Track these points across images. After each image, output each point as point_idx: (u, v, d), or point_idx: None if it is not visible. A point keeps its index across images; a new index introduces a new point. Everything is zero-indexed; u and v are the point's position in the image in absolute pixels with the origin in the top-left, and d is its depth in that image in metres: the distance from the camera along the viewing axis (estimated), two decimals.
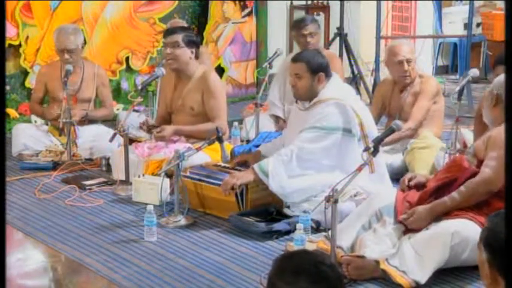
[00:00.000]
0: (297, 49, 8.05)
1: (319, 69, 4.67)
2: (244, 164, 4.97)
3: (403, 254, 3.80)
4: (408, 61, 5.41)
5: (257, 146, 5.43)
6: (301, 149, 4.59)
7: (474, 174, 3.90)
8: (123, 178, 5.27)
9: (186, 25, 6.53)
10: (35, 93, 6.25)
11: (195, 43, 5.41)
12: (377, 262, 3.84)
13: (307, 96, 4.73)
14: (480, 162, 3.92)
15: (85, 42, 6.90)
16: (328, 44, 8.20)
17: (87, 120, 6.03)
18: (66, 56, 5.91)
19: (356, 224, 4.07)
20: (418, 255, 3.77)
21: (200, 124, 5.37)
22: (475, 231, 3.70)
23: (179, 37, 5.33)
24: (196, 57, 5.43)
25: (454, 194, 3.88)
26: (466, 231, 3.76)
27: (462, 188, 3.87)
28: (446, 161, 4.66)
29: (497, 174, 3.80)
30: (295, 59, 4.78)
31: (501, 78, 3.88)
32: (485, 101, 4.03)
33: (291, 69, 4.78)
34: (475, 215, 3.83)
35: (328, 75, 4.72)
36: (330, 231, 3.97)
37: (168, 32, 5.51)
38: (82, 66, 6.08)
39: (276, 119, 6.39)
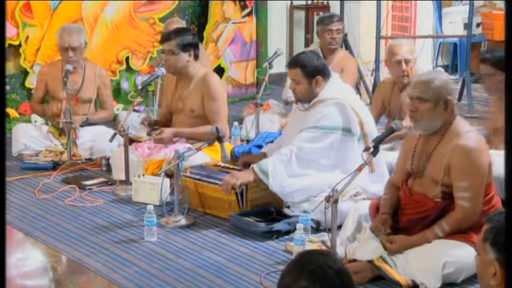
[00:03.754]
0: (297, 48, 8.06)
1: (315, 73, 4.66)
2: (248, 165, 4.97)
3: (398, 263, 3.81)
4: (406, 61, 5.40)
5: (257, 146, 5.43)
6: (300, 149, 4.59)
7: (444, 206, 3.84)
8: (123, 178, 5.27)
9: (183, 24, 6.51)
10: (35, 92, 6.27)
11: (192, 45, 5.33)
12: (371, 261, 3.85)
13: (306, 99, 4.73)
14: (444, 187, 3.83)
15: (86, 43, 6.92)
16: None
17: (85, 124, 6.01)
18: (70, 53, 5.91)
19: (343, 236, 4.10)
20: (412, 271, 3.77)
21: (200, 127, 5.35)
22: (468, 254, 3.66)
23: (173, 44, 5.26)
24: (196, 57, 5.39)
25: (437, 231, 3.80)
26: (458, 257, 3.73)
27: (445, 225, 3.79)
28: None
29: (476, 204, 3.77)
30: (290, 64, 4.76)
31: (439, 80, 3.82)
32: (425, 106, 3.83)
33: (289, 74, 4.78)
34: (466, 235, 3.79)
35: (326, 76, 4.71)
36: (327, 235, 3.99)
37: (163, 39, 5.45)
38: (83, 66, 6.08)
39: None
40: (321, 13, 8.46)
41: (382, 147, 4.29)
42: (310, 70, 4.65)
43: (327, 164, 4.64)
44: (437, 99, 3.81)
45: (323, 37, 6.42)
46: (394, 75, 5.56)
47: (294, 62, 4.74)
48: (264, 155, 4.96)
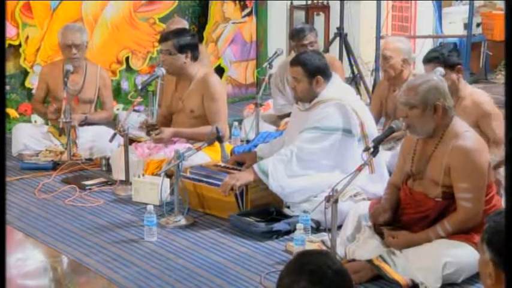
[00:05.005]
0: None
1: (316, 72, 4.66)
2: (241, 164, 4.98)
3: (398, 263, 3.81)
4: (385, 57, 5.39)
5: (257, 146, 5.43)
6: (300, 149, 4.59)
7: (445, 206, 3.83)
8: (123, 178, 5.27)
9: (185, 24, 6.51)
10: (37, 92, 6.27)
11: (190, 46, 5.32)
12: (370, 261, 3.85)
13: (306, 98, 4.73)
14: (445, 187, 3.82)
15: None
16: (328, 44, 8.19)
17: (84, 124, 6.01)
18: (73, 50, 5.93)
19: (343, 236, 4.10)
20: (412, 271, 3.77)
21: (200, 127, 5.35)
22: (469, 255, 3.68)
23: (170, 44, 5.28)
24: (194, 59, 5.38)
25: (440, 230, 3.79)
26: (458, 257, 3.72)
27: (447, 226, 3.78)
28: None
29: (478, 204, 3.77)
30: (293, 62, 4.77)
31: (426, 85, 3.80)
32: (413, 112, 3.81)
33: (290, 72, 4.79)
34: (467, 235, 3.78)
35: (327, 76, 4.71)
36: (327, 235, 3.98)
37: (161, 38, 5.48)
38: (84, 66, 6.09)
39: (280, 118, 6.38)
40: (321, 13, 8.48)
41: (381, 147, 4.28)
42: (312, 69, 4.66)
43: (327, 165, 4.64)
44: (425, 104, 3.80)
45: (298, 51, 6.32)
46: None
47: (296, 60, 4.76)
48: (255, 154, 4.98)
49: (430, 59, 4.79)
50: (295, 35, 6.23)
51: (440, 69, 4.72)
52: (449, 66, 4.71)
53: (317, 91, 4.69)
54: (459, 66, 4.75)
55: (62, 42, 5.99)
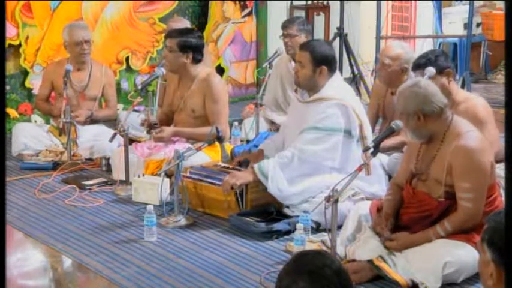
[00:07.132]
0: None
1: (322, 62, 4.64)
2: (245, 164, 4.96)
3: (398, 263, 3.81)
4: (383, 64, 5.28)
5: (257, 146, 5.42)
6: (302, 151, 4.57)
7: (448, 206, 3.83)
8: (123, 178, 5.27)
9: (187, 23, 6.51)
10: (40, 90, 6.29)
11: (193, 48, 5.29)
12: (370, 261, 3.85)
13: (307, 86, 4.71)
14: (447, 187, 3.83)
15: None
16: None
17: (89, 120, 6.03)
18: (85, 46, 6.00)
19: (343, 236, 4.09)
20: (412, 271, 3.77)
21: (200, 127, 5.34)
22: (469, 255, 3.68)
23: (174, 42, 5.28)
24: (197, 61, 5.36)
25: (440, 230, 3.79)
26: (459, 257, 3.72)
27: (447, 226, 3.78)
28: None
29: (478, 204, 3.77)
30: (302, 47, 4.78)
31: (408, 93, 3.83)
32: (402, 118, 3.88)
33: (297, 56, 4.78)
34: (467, 235, 3.78)
35: (332, 70, 4.69)
36: (327, 235, 3.98)
37: (166, 34, 5.53)
38: (89, 64, 6.12)
39: (271, 122, 6.37)
40: (321, 13, 8.48)
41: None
42: (318, 57, 4.64)
43: (329, 166, 4.61)
44: (407, 112, 3.84)
45: (283, 43, 6.33)
46: None
47: (306, 45, 4.78)
48: (261, 152, 4.97)
49: (419, 65, 4.77)
50: (283, 23, 6.29)
51: (431, 69, 4.69)
52: (438, 70, 4.69)
53: (318, 82, 4.66)
54: (448, 70, 4.72)
55: (70, 40, 6.02)
